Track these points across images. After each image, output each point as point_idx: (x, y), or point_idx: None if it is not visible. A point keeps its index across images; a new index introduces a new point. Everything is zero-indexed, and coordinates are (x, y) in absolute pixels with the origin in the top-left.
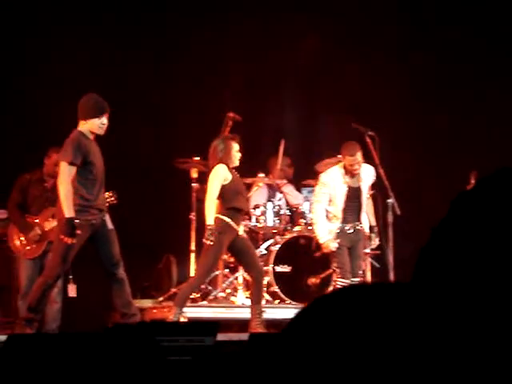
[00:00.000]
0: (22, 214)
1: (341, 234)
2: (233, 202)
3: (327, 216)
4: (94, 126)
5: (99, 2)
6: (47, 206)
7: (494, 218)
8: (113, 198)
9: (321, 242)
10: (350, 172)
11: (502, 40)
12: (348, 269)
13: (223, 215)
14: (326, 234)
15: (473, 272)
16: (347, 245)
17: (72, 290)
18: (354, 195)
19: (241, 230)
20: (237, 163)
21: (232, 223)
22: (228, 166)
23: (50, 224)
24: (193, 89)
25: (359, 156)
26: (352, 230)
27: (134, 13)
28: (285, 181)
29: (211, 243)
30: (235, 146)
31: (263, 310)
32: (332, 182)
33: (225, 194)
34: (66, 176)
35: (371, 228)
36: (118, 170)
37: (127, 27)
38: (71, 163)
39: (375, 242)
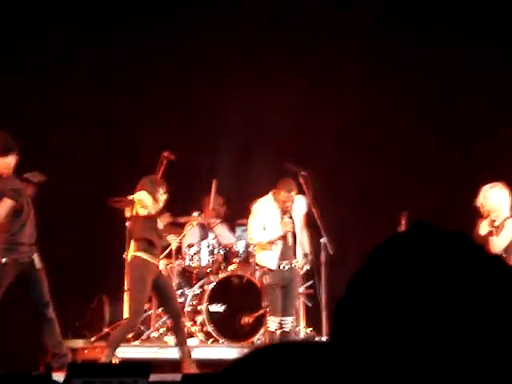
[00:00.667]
0: None
1: (275, 271)
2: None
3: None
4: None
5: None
6: None
7: (409, 274)
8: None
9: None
10: (282, 207)
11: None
12: (278, 308)
13: (139, 252)
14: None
15: (388, 326)
16: (281, 283)
17: None
18: (286, 239)
19: (160, 265)
20: (160, 205)
21: (150, 258)
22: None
23: None
24: (128, 127)
25: (294, 193)
26: (287, 267)
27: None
28: (218, 220)
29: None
30: (160, 190)
31: (191, 349)
32: (264, 210)
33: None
34: None
35: (305, 255)
36: (51, 207)
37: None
38: None
39: (305, 267)
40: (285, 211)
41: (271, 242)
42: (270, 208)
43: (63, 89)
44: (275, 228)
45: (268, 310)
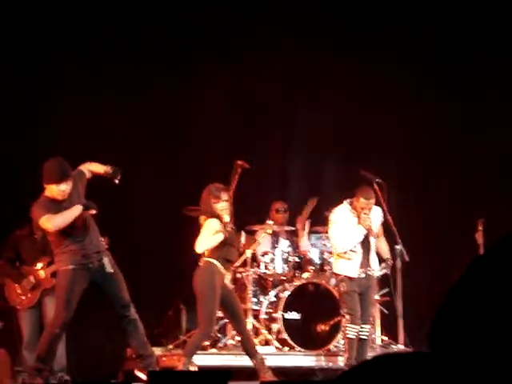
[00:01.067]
0: (15, 266)
1: (353, 278)
2: (222, 252)
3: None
4: (53, 191)
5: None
6: (39, 257)
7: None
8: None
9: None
10: (359, 216)
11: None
12: (358, 315)
13: (212, 259)
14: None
15: (490, 337)
16: (358, 290)
17: None
18: (366, 247)
19: (227, 279)
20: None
21: (221, 267)
22: (219, 218)
23: (44, 272)
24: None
25: (373, 201)
26: (363, 275)
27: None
28: (292, 227)
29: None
30: (223, 196)
31: (264, 357)
32: (343, 219)
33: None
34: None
35: (385, 260)
36: (131, 217)
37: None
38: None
39: (384, 271)
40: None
41: (352, 251)
42: (347, 216)
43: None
44: (355, 235)
45: (347, 317)
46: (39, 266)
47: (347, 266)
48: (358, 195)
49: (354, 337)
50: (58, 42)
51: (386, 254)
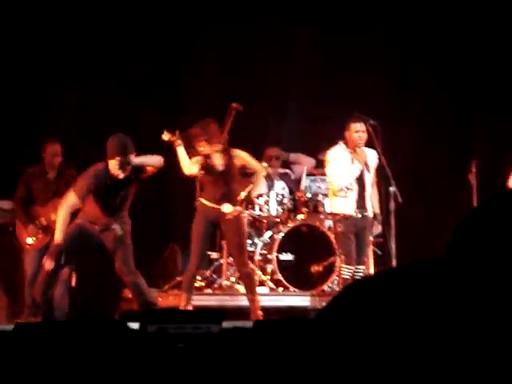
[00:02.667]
0: (27, 206)
1: (349, 219)
2: (210, 189)
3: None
4: (111, 166)
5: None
6: (52, 198)
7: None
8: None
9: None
10: (355, 143)
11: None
12: (353, 256)
13: (201, 197)
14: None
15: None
16: (354, 231)
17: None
18: (358, 177)
19: (226, 209)
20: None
21: (210, 203)
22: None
23: (56, 215)
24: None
25: (363, 129)
26: (359, 215)
27: None
28: (287, 170)
29: None
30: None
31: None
32: (338, 156)
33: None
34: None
35: (375, 215)
36: None
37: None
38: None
39: (378, 229)
40: (357, 145)
41: (348, 188)
42: (343, 154)
43: None
44: (352, 170)
45: (342, 258)
46: (51, 207)
47: (344, 204)
48: (348, 124)
49: (348, 277)
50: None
51: (376, 207)
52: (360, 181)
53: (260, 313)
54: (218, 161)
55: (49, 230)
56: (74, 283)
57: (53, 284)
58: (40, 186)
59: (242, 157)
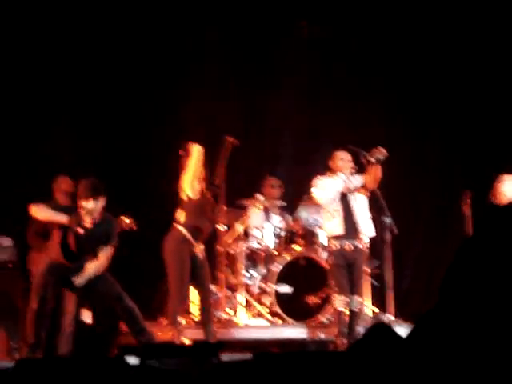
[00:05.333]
0: (43, 240)
1: (340, 251)
2: (191, 220)
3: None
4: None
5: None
6: None
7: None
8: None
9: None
10: (339, 170)
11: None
12: (346, 287)
13: (180, 226)
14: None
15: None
16: (345, 263)
17: (87, 316)
18: (347, 202)
19: (198, 249)
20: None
21: (187, 235)
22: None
23: None
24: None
25: (349, 159)
26: (352, 247)
27: None
28: (284, 203)
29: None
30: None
31: (215, 332)
32: (323, 180)
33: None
34: None
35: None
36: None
37: None
38: None
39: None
40: (343, 172)
41: (335, 210)
42: (328, 180)
43: None
44: (335, 183)
45: (336, 289)
46: None
47: (331, 225)
48: (332, 156)
49: (342, 308)
50: None
51: (372, 232)
52: (345, 203)
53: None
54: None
55: None
56: (88, 319)
57: (44, 321)
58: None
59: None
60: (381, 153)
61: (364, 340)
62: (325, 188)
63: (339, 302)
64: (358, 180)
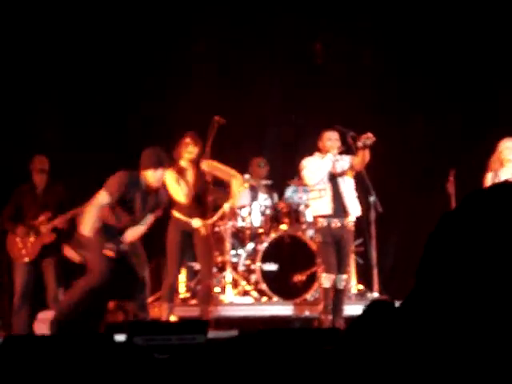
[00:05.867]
0: (16, 221)
1: (327, 228)
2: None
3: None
4: (149, 177)
5: None
6: (41, 212)
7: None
8: None
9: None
10: (327, 150)
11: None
12: (333, 265)
13: (175, 210)
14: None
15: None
16: (333, 240)
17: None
18: (330, 179)
19: (195, 223)
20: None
21: (182, 217)
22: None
23: (45, 227)
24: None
25: (335, 134)
26: (339, 224)
27: None
28: (269, 181)
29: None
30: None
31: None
32: (312, 160)
33: None
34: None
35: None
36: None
37: None
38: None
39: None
40: (329, 151)
41: (322, 189)
42: (316, 160)
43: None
44: (323, 164)
45: (323, 267)
46: (40, 220)
47: (320, 204)
48: (321, 136)
49: (328, 286)
50: None
51: (358, 211)
52: (333, 183)
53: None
54: (190, 174)
55: (38, 242)
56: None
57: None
58: (29, 202)
59: (213, 166)
60: (368, 137)
61: (364, 316)
62: (314, 168)
63: (326, 279)
64: (345, 160)
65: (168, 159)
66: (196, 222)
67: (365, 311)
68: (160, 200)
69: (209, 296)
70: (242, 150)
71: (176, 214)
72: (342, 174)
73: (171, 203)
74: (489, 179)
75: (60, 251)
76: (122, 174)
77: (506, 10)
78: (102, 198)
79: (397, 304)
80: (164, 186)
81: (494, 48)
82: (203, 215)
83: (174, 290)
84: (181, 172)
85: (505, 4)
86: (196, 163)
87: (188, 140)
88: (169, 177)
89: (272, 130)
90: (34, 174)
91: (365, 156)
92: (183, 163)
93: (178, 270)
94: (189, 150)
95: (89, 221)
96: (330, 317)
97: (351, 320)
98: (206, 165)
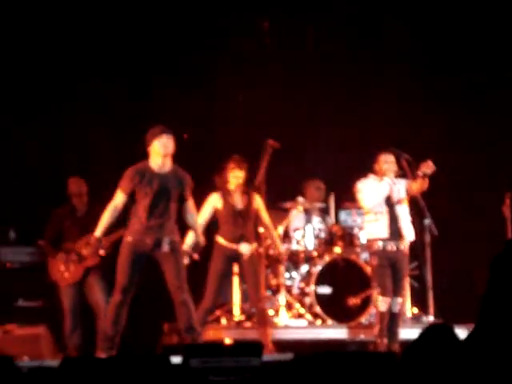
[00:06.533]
0: (56, 245)
1: (383, 252)
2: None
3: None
4: (156, 148)
5: None
6: (82, 234)
7: None
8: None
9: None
10: (384, 173)
11: None
12: (389, 288)
13: (218, 235)
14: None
15: None
16: (389, 263)
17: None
18: (387, 204)
19: (243, 249)
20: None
21: (225, 242)
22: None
23: (87, 251)
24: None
25: (393, 161)
26: (395, 248)
27: None
28: (324, 204)
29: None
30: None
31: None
32: (369, 184)
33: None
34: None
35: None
36: None
37: None
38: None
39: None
40: (385, 175)
41: (379, 212)
42: (372, 183)
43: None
44: (381, 187)
45: (378, 290)
46: (82, 243)
47: (376, 228)
48: (377, 158)
49: (384, 309)
50: None
51: (412, 235)
52: (390, 207)
53: (271, 346)
54: (238, 199)
55: (81, 264)
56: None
57: (122, 314)
58: (69, 225)
59: (259, 204)
60: (428, 166)
61: (421, 340)
62: (370, 191)
63: (382, 303)
64: (401, 184)
65: (170, 129)
66: (244, 248)
67: (422, 335)
68: (180, 178)
69: (265, 319)
70: (295, 173)
71: (220, 239)
72: (400, 201)
73: (215, 229)
74: None
75: (103, 273)
76: (129, 168)
77: None
78: (116, 197)
79: (455, 329)
80: (182, 169)
81: None
82: (247, 239)
83: (208, 316)
84: (228, 195)
85: None
86: (245, 187)
87: (232, 165)
88: (213, 198)
89: (325, 152)
90: (73, 197)
91: (424, 184)
92: (231, 187)
93: (216, 297)
94: (235, 175)
95: (101, 221)
96: (386, 340)
97: (406, 344)
98: (255, 199)
